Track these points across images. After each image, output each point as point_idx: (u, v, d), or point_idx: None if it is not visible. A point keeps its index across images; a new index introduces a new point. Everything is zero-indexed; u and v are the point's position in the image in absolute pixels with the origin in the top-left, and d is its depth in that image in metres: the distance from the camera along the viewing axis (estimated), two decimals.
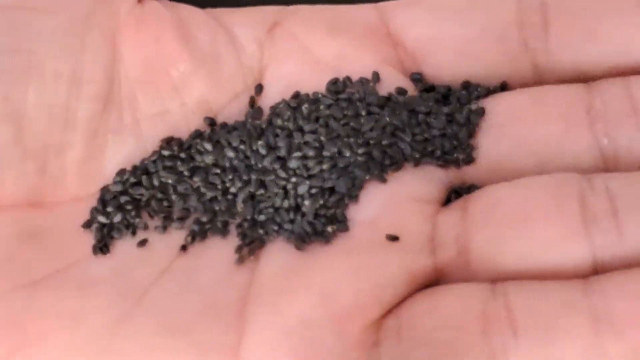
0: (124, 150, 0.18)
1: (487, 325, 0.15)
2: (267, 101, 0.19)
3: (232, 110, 0.19)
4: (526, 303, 0.15)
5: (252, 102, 0.19)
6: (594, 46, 0.18)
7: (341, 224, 0.17)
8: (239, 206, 0.17)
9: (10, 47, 0.17)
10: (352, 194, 0.17)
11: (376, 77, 0.19)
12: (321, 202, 0.17)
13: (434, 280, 0.17)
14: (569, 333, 0.15)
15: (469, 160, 0.18)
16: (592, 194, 0.16)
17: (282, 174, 0.17)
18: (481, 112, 0.18)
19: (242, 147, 0.18)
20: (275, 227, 0.17)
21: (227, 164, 0.18)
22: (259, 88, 0.19)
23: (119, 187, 0.17)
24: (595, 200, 0.16)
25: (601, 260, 0.16)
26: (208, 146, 0.18)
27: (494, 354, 0.15)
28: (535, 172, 0.17)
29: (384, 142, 0.18)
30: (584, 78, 0.18)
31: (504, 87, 0.19)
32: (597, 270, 0.16)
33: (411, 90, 0.19)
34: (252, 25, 0.19)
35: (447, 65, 0.19)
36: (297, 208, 0.17)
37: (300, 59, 0.19)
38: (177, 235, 0.17)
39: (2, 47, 0.17)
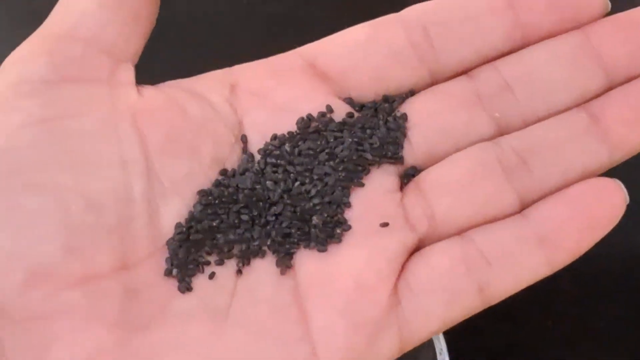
0: (173, 208, 0.22)
1: (468, 264, 0.21)
2: (253, 146, 0.23)
3: (233, 159, 0.23)
4: (490, 241, 0.22)
5: (244, 149, 0.23)
6: (467, 47, 0.24)
7: (345, 225, 0.23)
8: (264, 232, 0.22)
9: (71, 151, 0.21)
10: (345, 202, 0.23)
11: (330, 108, 0.24)
12: (325, 214, 0.23)
13: (418, 247, 0.23)
14: (526, 254, 0.21)
15: (401, 159, 0.24)
16: (503, 153, 0.23)
17: (290, 201, 0.23)
18: (405, 117, 0.24)
19: (257, 186, 0.23)
20: (296, 240, 0.22)
21: (250, 202, 0.23)
22: (245, 138, 0.23)
23: (182, 236, 0.22)
24: (507, 157, 0.23)
25: (525, 197, 0.22)
26: (232, 192, 0.23)
27: (480, 284, 0.21)
28: (456, 149, 0.23)
29: (354, 157, 0.23)
30: (465, 70, 0.24)
31: (412, 93, 0.24)
32: (524, 205, 0.22)
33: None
34: (218, 90, 0.24)
35: (367, 88, 0.24)
36: (307, 222, 0.23)
37: (265, 108, 0.24)
38: (231, 263, 0.22)
39: (64, 153, 0.21)
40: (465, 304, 0.21)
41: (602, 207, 0.21)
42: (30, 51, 0.22)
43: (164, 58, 0.31)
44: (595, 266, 0.37)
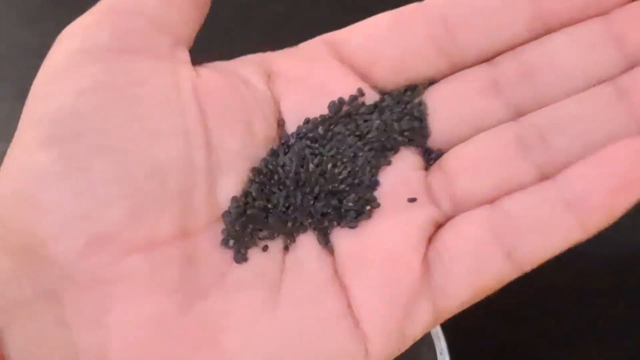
0: (228, 181, 0.23)
1: (495, 229, 0.22)
2: (288, 130, 0.24)
3: (275, 140, 0.24)
4: (518, 206, 0.22)
5: (282, 133, 0.24)
6: (489, 38, 0.24)
7: (374, 202, 0.24)
8: (305, 212, 0.23)
9: (136, 117, 0.21)
10: (374, 181, 0.24)
11: (361, 91, 0.25)
12: (355, 194, 0.24)
13: (444, 223, 0.23)
14: (556, 217, 0.21)
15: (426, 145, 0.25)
16: (522, 129, 0.23)
17: (324, 182, 0.24)
18: (425, 105, 0.25)
19: (300, 169, 0.24)
20: (330, 220, 0.23)
21: (296, 185, 0.24)
22: (282, 121, 0.24)
23: (239, 210, 0.23)
24: (526, 133, 0.23)
25: (546, 172, 0.22)
26: (280, 171, 0.24)
27: (510, 252, 0.21)
28: (475, 133, 0.24)
29: (382, 139, 0.24)
30: (486, 59, 0.25)
31: (432, 82, 0.25)
32: (546, 176, 0.22)
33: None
34: (258, 74, 0.25)
35: (388, 77, 0.25)
36: (340, 202, 0.24)
37: (300, 93, 0.25)
38: (279, 238, 0.23)
39: (130, 119, 0.21)
40: (494, 270, 0.21)
41: (635, 166, 0.21)
42: (93, 21, 0.22)
43: None
44: (595, 266, 0.37)
